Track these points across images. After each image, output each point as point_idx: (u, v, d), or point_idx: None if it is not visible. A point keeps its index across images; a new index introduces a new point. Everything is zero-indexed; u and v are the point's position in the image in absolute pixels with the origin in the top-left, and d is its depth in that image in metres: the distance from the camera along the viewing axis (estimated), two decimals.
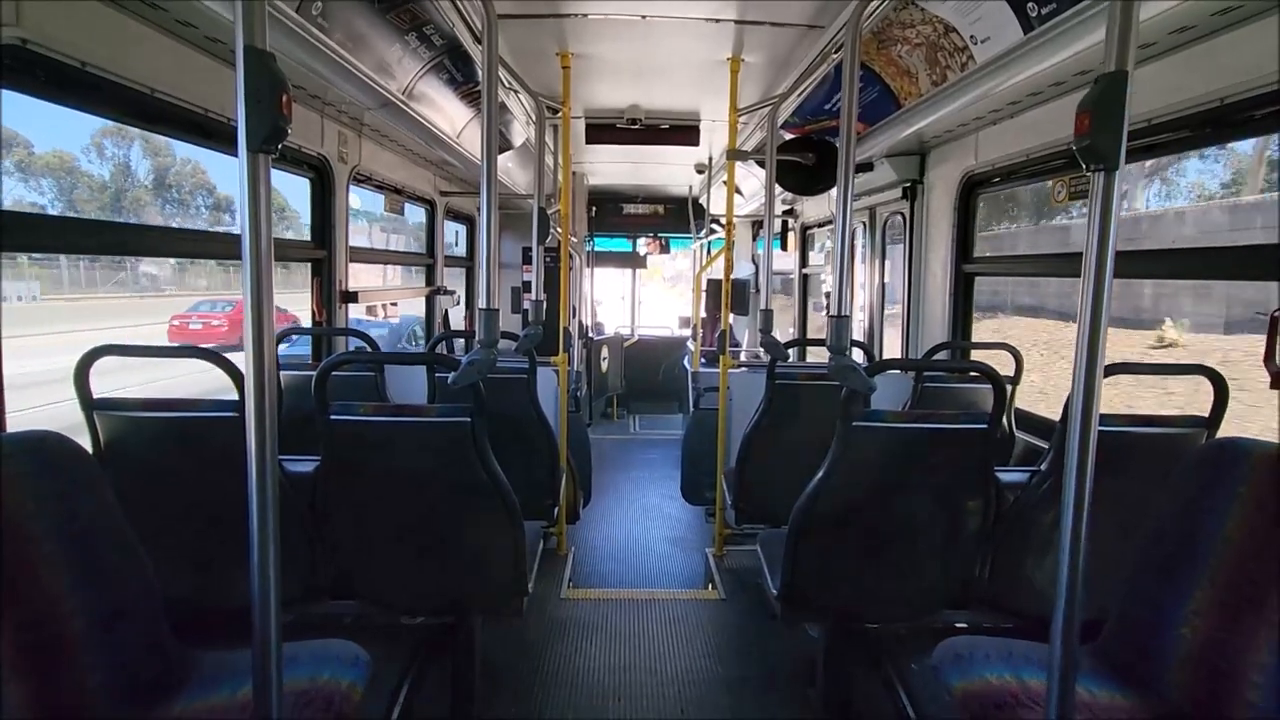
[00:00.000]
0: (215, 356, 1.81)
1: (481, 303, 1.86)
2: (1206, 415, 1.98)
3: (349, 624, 2.11)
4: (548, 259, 5.62)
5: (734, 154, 3.68)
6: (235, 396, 1.76)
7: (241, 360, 1.09)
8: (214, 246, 2.88)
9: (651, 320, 9.44)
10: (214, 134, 2.50)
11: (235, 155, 1.01)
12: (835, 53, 2.89)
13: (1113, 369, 1.88)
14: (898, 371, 3.48)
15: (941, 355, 3.43)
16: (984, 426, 1.91)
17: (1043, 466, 2.00)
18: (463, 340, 5.53)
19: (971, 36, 2.38)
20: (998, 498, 2.00)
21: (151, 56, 2.14)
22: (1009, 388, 2.91)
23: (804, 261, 6.38)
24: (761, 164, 3.49)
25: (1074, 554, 1.12)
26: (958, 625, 2.16)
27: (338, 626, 2.06)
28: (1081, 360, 1.10)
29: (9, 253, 1.80)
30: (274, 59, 1.01)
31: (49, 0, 1.76)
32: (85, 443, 1.65)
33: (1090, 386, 1.09)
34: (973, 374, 3.08)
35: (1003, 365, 2.38)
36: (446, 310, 5.27)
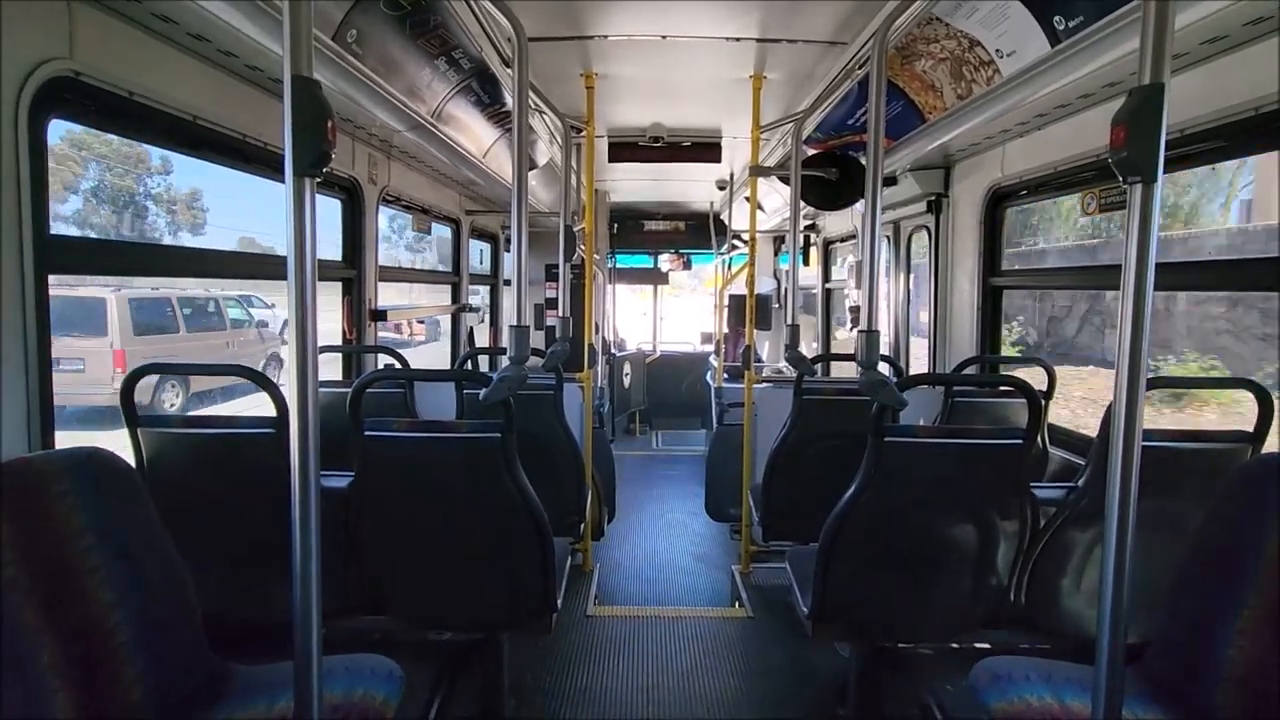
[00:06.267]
0: (255, 374, 1.86)
1: (512, 319, 1.86)
2: (1250, 430, 1.93)
3: (379, 639, 2.12)
4: (571, 275, 5.66)
5: (757, 170, 3.70)
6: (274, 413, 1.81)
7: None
8: (258, 267, 2.95)
9: (674, 336, 9.45)
10: (253, 159, 2.57)
11: (273, 179, 1.05)
12: (859, 68, 2.90)
13: (1154, 383, 1.84)
14: (925, 386, 3.44)
15: (971, 370, 3.38)
16: (1019, 442, 1.88)
17: (1080, 483, 1.96)
18: (487, 357, 5.57)
19: (997, 50, 2.37)
20: (1033, 515, 1.96)
21: (194, 85, 2.21)
22: (1043, 402, 2.86)
23: (826, 276, 6.35)
24: (784, 180, 3.50)
25: (1118, 573, 1.10)
26: (993, 646, 2.11)
27: (369, 641, 2.08)
28: (1123, 374, 1.08)
29: (58, 274, 1.87)
30: (320, 87, 1.04)
31: (100, 34, 1.84)
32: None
33: (1132, 401, 1.07)
34: (1004, 388, 3.03)
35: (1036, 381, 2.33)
36: (471, 327, 5.33)
